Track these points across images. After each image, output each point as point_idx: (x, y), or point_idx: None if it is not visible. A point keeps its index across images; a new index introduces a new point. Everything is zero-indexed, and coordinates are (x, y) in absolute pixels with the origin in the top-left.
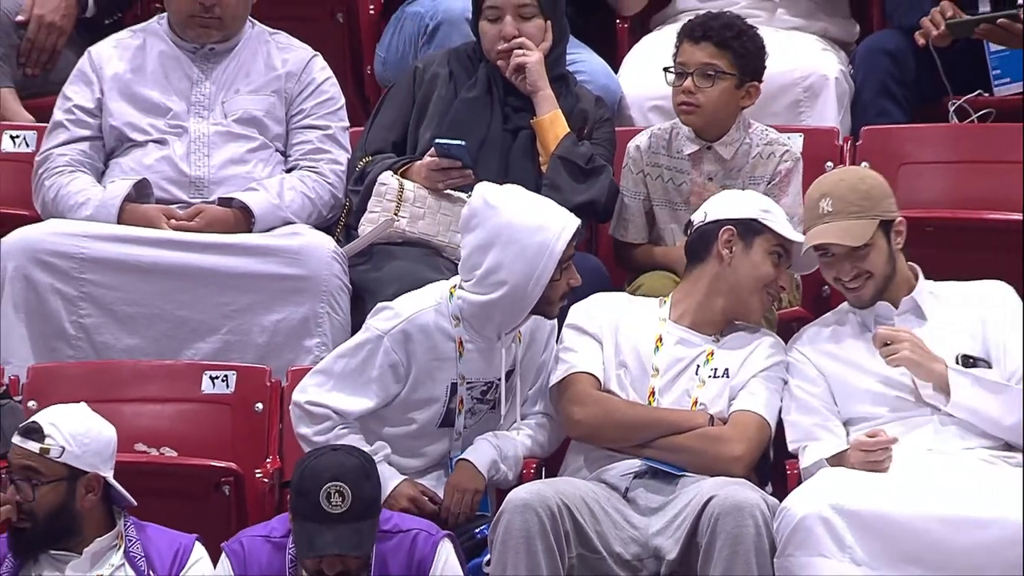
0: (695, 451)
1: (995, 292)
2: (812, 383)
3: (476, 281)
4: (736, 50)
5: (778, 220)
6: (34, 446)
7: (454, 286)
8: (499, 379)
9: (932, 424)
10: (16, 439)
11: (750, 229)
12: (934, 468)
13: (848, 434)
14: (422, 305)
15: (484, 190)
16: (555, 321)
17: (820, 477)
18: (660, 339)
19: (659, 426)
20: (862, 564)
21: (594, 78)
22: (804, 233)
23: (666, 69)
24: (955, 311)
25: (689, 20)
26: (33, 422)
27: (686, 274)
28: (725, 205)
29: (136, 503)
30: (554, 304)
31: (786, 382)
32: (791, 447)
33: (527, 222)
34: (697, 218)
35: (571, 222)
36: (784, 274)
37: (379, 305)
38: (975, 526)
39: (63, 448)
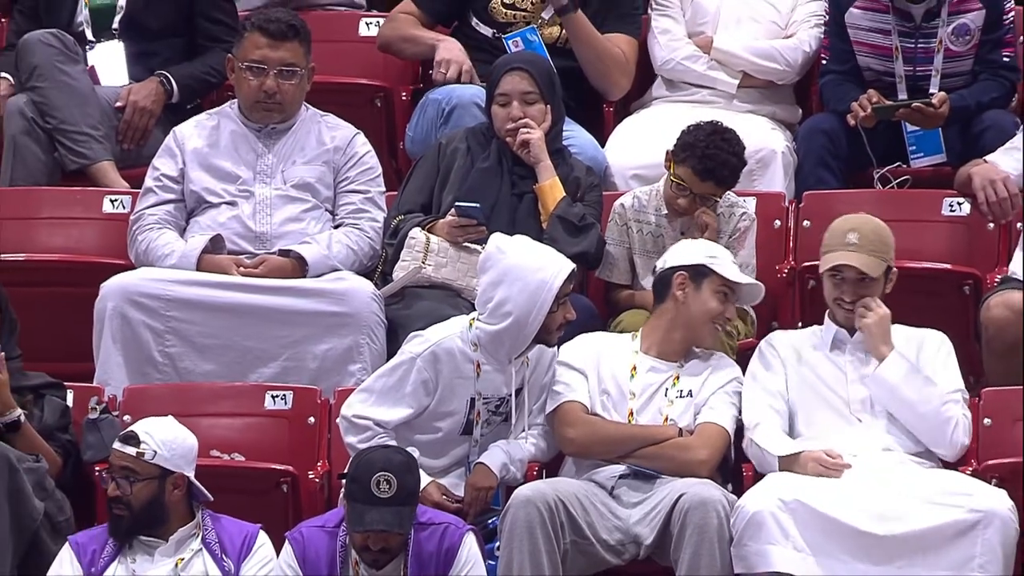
0: (668, 458)
1: (933, 337)
2: (774, 372)
3: (488, 313)
4: (731, 184)
5: (723, 264)
6: (131, 450)
7: (473, 319)
8: (510, 395)
9: (859, 430)
10: (116, 444)
11: (699, 273)
12: (862, 472)
13: (793, 425)
14: (447, 333)
15: (497, 239)
16: (556, 348)
17: (769, 480)
18: (634, 368)
19: (638, 440)
20: (801, 551)
21: (583, 150)
22: (825, 255)
23: (670, 179)
24: (899, 345)
25: (694, 148)
26: (131, 431)
27: (652, 312)
28: (679, 253)
29: (212, 498)
30: (552, 334)
31: (740, 394)
32: (746, 421)
33: (530, 264)
34: (659, 265)
35: (567, 265)
36: (731, 308)
37: (412, 334)
38: (891, 521)
39: (155, 452)
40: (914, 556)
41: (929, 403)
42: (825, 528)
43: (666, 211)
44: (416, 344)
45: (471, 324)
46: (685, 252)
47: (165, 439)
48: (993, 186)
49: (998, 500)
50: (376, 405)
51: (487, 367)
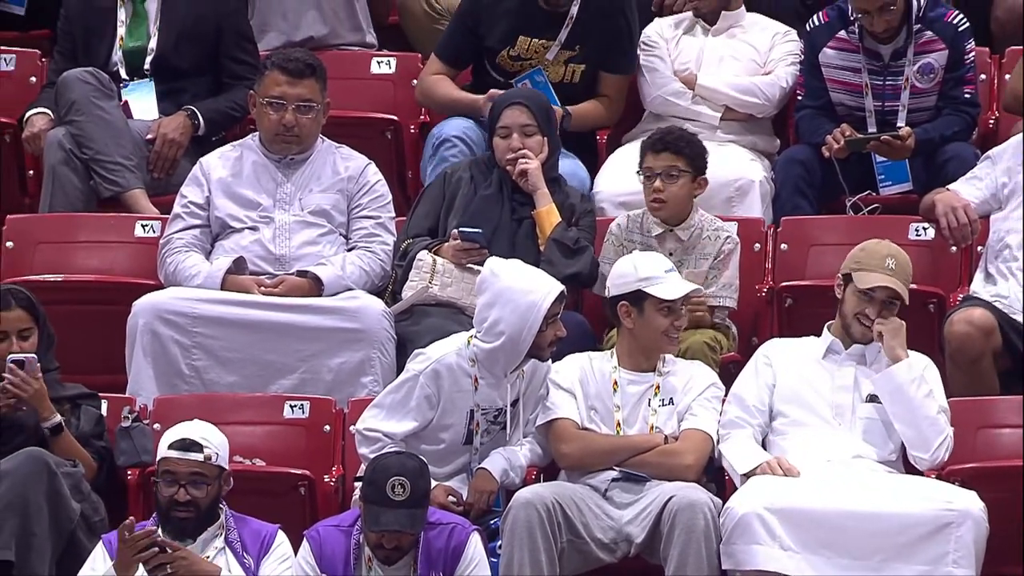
0: (656, 464)
1: (922, 359)
2: (759, 382)
3: (484, 332)
4: (688, 154)
5: (656, 285)
6: (198, 456)
7: (471, 336)
8: (507, 407)
9: (835, 435)
10: (176, 454)
11: (637, 298)
12: (841, 475)
13: (771, 419)
14: (447, 350)
15: (491, 263)
16: (551, 362)
17: (756, 483)
18: (616, 383)
19: (628, 449)
20: (788, 549)
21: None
22: (862, 273)
23: (638, 172)
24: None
25: (649, 136)
26: (187, 439)
27: (618, 331)
28: (616, 281)
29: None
30: (544, 350)
31: (719, 399)
32: (720, 432)
33: (521, 287)
34: (606, 292)
35: (555, 287)
36: (679, 318)
37: (415, 352)
38: (871, 519)
39: (217, 454)
40: (892, 552)
41: (929, 411)
42: (809, 527)
43: (656, 232)
44: (418, 362)
45: (469, 341)
46: (621, 279)
47: (218, 440)
48: (955, 213)
49: (971, 501)
50: (385, 419)
51: (483, 381)
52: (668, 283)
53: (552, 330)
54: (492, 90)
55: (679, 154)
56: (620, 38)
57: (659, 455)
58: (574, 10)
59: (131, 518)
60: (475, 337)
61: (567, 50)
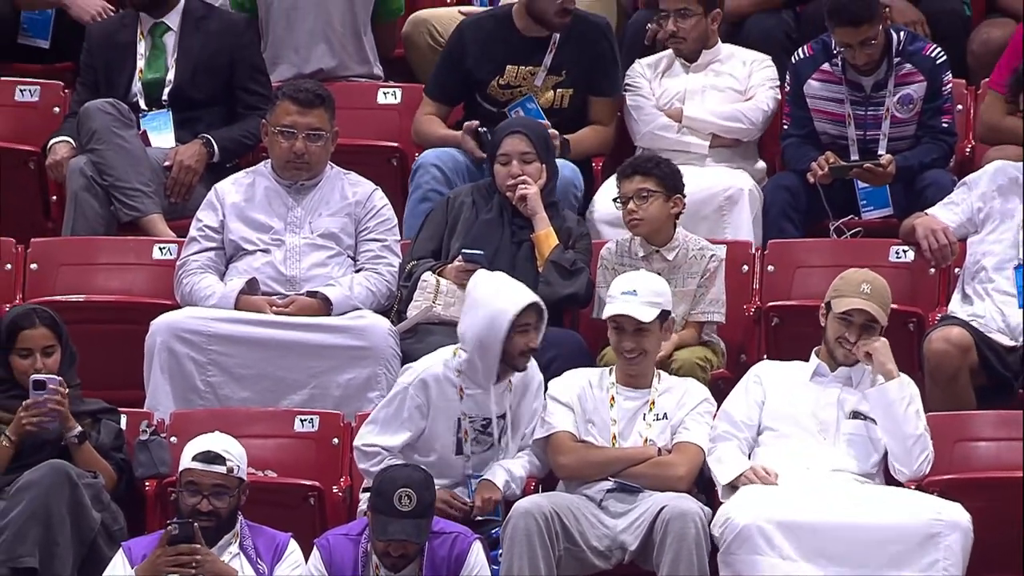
0: (650, 475)
1: (905, 379)
2: (748, 400)
3: (462, 341)
4: (657, 174)
5: (608, 302)
6: (221, 469)
7: (457, 348)
8: (497, 417)
9: (819, 448)
10: (200, 466)
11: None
12: (830, 486)
13: (762, 441)
14: (433, 362)
15: (475, 276)
16: (542, 377)
17: (754, 493)
18: (612, 398)
19: (623, 461)
20: (787, 558)
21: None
22: (839, 299)
23: (614, 200)
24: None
25: (620, 165)
26: (210, 451)
27: None
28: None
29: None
30: (517, 359)
31: (711, 414)
32: (707, 446)
33: (489, 295)
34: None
35: (525, 298)
36: (625, 340)
37: (404, 366)
38: (865, 529)
39: (238, 466)
40: (885, 561)
41: (916, 429)
42: (806, 537)
43: (642, 254)
44: (407, 375)
45: (455, 353)
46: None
47: (239, 452)
48: (934, 235)
49: (959, 512)
50: (381, 433)
51: (468, 391)
52: (615, 303)
53: (523, 340)
54: (467, 123)
55: (648, 175)
56: (603, 61)
57: (652, 467)
58: (556, 35)
59: (174, 528)
60: (459, 348)
61: (553, 75)
